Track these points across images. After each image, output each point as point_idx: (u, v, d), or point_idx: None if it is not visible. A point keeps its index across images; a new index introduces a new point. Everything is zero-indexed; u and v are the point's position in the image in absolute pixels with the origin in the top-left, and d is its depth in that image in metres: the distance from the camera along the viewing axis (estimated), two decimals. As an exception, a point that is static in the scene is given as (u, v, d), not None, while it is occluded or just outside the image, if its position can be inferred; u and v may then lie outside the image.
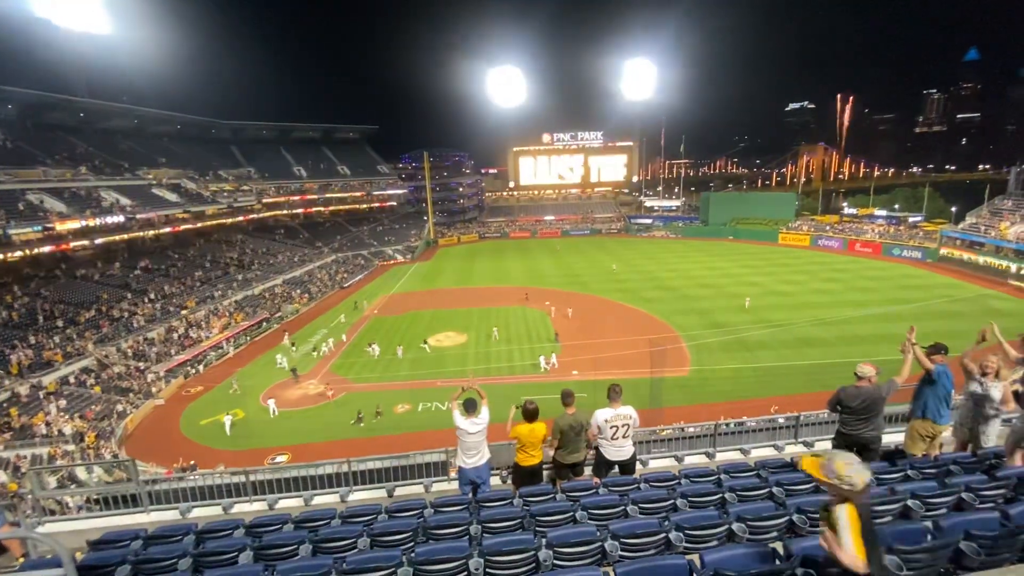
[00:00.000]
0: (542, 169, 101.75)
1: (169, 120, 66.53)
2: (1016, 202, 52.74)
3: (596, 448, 6.95)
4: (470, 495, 6.37)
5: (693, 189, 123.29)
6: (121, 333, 34.82)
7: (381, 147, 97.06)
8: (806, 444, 8.54)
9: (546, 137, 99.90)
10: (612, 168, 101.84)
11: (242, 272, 52.13)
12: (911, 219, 64.41)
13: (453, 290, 52.90)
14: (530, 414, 6.68)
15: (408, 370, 32.17)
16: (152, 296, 40.89)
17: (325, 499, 7.61)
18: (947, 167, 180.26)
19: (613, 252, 70.44)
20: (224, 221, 58.41)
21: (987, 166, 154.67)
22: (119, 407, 27.81)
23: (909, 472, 5.79)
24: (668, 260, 63.23)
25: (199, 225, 54.75)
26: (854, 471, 3.09)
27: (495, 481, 7.18)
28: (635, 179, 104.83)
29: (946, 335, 30.55)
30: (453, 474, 7.62)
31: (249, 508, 7.49)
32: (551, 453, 7.27)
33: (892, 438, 7.55)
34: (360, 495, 7.67)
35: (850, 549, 3.06)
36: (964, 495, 4.78)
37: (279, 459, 22.64)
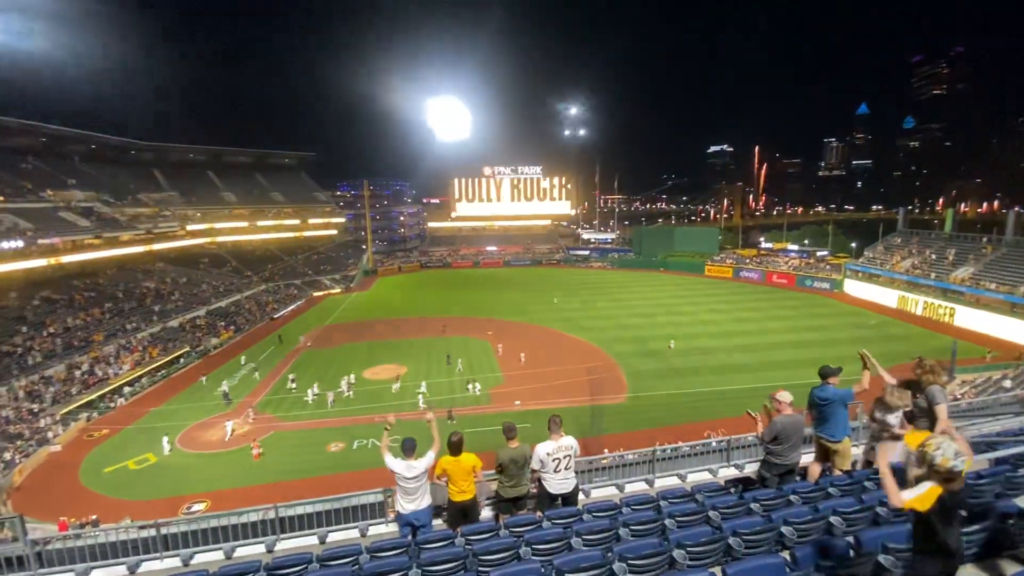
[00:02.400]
0: (483, 200, 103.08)
1: (82, 139, 61.70)
2: (904, 239, 59.36)
3: (539, 481, 6.88)
4: (409, 537, 6.07)
5: (627, 223, 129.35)
6: (13, 371, 30.96)
7: (319, 174, 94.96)
8: (737, 467, 8.90)
9: (487, 170, 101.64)
10: (551, 202, 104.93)
11: (160, 303, 48.28)
12: (819, 253, 70.67)
13: (392, 320, 51.63)
14: (453, 446, 6.47)
15: (341, 406, 30.70)
16: (52, 330, 36.88)
17: (249, 550, 6.97)
18: (846, 207, 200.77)
19: (552, 281, 71.84)
20: (141, 249, 54.24)
21: (879, 207, 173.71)
22: (6, 455, 24.45)
23: (830, 490, 6.16)
24: (605, 290, 65.27)
25: (112, 253, 50.52)
26: (941, 452, 3.21)
27: (437, 521, 6.89)
28: (573, 212, 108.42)
29: (852, 358, 33.00)
30: (392, 515, 7.25)
31: (160, 566, 6.72)
32: (493, 487, 7.12)
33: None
34: (289, 543, 7.11)
35: (898, 497, 3.29)
36: (880, 510, 5.14)
37: (196, 507, 20.66)
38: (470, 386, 31.46)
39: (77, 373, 33.14)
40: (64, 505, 20.99)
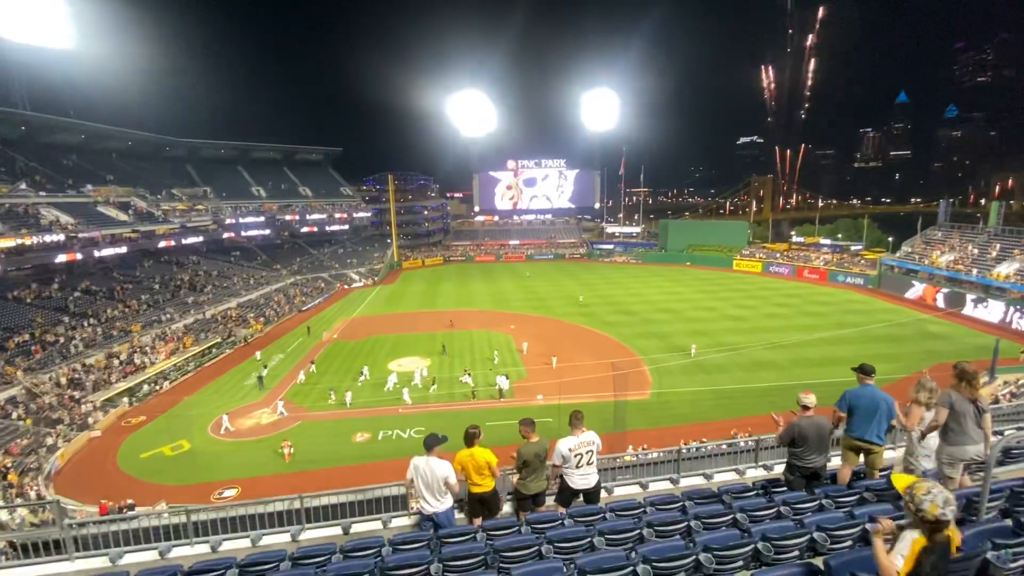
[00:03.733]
0: (506, 194, 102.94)
1: (120, 136, 63.84)
2: (945, 233, 56.88)
3: (561, 477, 6.82)
4: (431, 531, 6.09)
5: (652, 216, 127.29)
6: (55, 360, 32.43)
7: (345, 169, 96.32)
8: (766, 468, 8.67)
9: (511, 163, 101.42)
10: (575, 195, 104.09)
11: (193, 295, 49.84)
12: (853, 248, 68.34)
13: (417, 313, 52.12)
14: (468, 438, 6.45)
15: (368, 396, 31.18)
16: (93, 320, 38.44)
17: (275, 539, 7.11)
18: (883, 200, 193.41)
19: (576, 276, 71.42)
20: (176, 241, 55.99)
21: (918, 199, 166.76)
22: (49, 440, 25.66)
23: (865, 494, 5.93)
24: (629, 285, 64.54)
25: (149, 245, 52.31)
26: (930, 498, 2.99)
27: (458, 515, 6.90)
28: (597, 206, 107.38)
29: (886, 357, 32.24)
30: (415, 506, 7.29)
31: (190, 552, 6.91)
32: (513, 480, 7.09)
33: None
34: (313, 533, 7.22)
35: (891, 569, 3.04)
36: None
37: (227, 494, 21.33)
38: (499, 379, 31.29)
39: (116, 362, 34.49)
40: (103, 489, 21.91)
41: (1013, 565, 3.53)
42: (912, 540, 3.05)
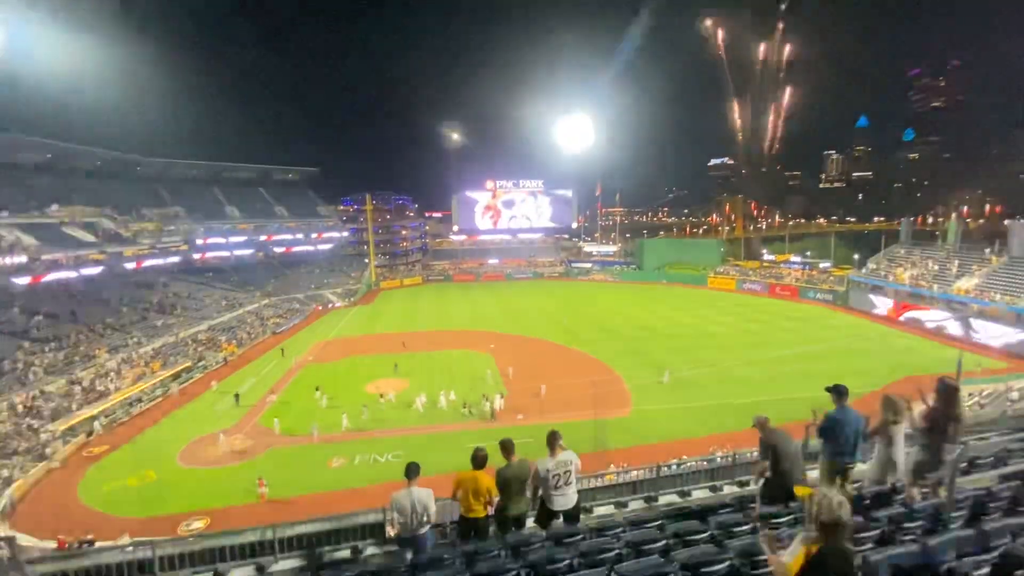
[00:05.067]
0: (485, 214, 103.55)
1: (88, 155, 62.28)
2: (907, 250, 59.25)
3: (540, 498, 6.77)
4: (409, 556, 5.95)
5: (628, 235, 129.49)
6: (13, 387, 30.93)
7: (322, 189, 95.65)
8: (741, 484, 8.76)
9: (489, 183, 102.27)
10: (553, 215, 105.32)
11: (163, 317, 48.39)
12: (821, 265, 70.52)
13: (396, 334, 51.57)
14: (477, 460, 6.39)
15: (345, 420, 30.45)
16: (54, 344, 36.92)
17: (243, 572, 6.86)
18: (848, 219, 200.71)
19: (555, 295, 71.82)
20: (144, 263, 54.52)
21: (881, 218, 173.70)
22: (4, 472, 24.29)
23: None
24: (607, 303, 65.18)
25: (116, 266, 50.78)
26: (826, 502, 3.10)
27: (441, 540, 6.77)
28: (575, 225, 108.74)
29: (856, 372, 33.14)
30: (392, 531, 7.13)
31: (153, 588, 6.62)
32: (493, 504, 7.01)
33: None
34: (286, 564, 6.99)
35: (779, 563, 3.16)
36: (887, 528, 5.02)
37: (195, 525, 20.45)
38: (486, 403, 30.76)
39: (78, 388, 33.08)
40: (62, 523, 20.76)
41: (977, 573, 3.64)
42: (804, 545, 3.17)
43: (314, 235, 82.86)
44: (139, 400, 34.37)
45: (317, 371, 40.15)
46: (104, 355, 37.56)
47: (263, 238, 75.97)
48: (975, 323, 43.61)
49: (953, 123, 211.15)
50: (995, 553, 3.76)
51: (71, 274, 45.45)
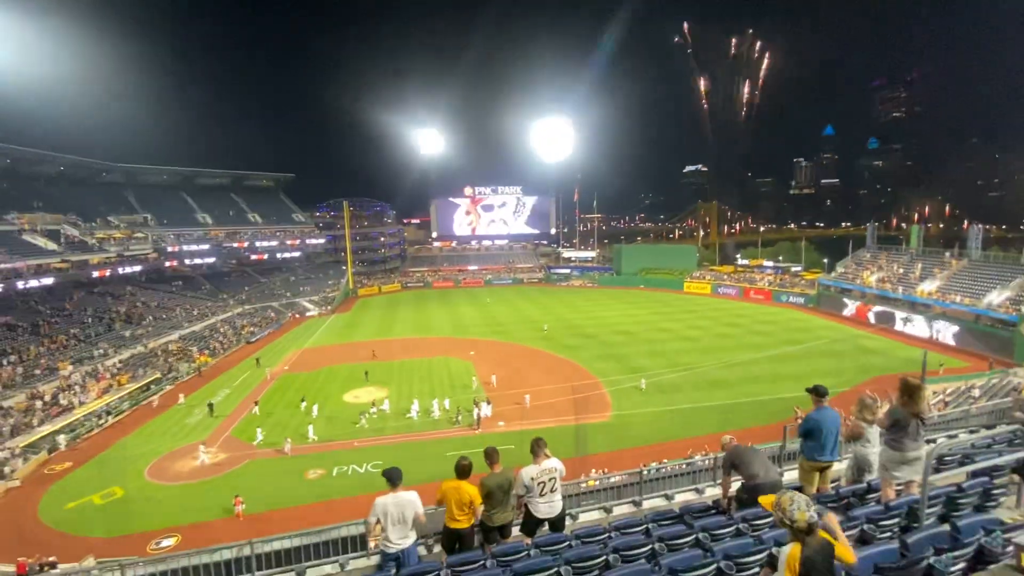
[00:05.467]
0: (464, 220, 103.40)
1: (51, 161, 60.10)
2: (873, 254, 61.29)
3: (525, 506, 6.73)
4: (393, 571, 5.84)
5: (606, 241, 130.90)
6: (-33, 403, 29.44)
7: (298, 195, 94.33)
8: (724, 485, 8.86)
9: (468, 190, 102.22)
10: (532, 220, 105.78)
11: (130, 328, 46.78)
12: (793, 269, 72.39)
13: (373, 342, 50.90)
14: (461, 470, 6.30)
15: (321, 431, 29.88)
16: (14, 358, 35.32)
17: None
18: (817, 224, 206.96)
19: (535, 300, 71.99)
20: (110, 272, 52.72)
21: (848, 223, 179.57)
22: (-43, 494, 23.05)
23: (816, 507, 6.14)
24: (586, 308, 65.60)
25: (81, 275, 49.00)
26: (796, 507, 3.19)
27: (421, 551, 6.66)
28: (553, 231, 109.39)
29: (828, 372, 33.96)
30: (374, 546, 6.98)
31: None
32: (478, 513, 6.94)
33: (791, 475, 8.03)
34: (265, 581, 6.78)
35: None
36: (866, 527, 5.14)
37: (166, 543, 19.72)
38: (476, 410, 30.22)
39: (39, 404, 31.66)
40: (22, 545, 19.77)
41: (954, 568, 3.74)
42: (787, 552, 3.24)
43: (289, 242, 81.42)
44: (107, 413, 33.09)
45: (293, 381, 39.31)
46: (68, 368, 36.07)
47: (236, 245, 74.29)
48: (937, 323, 45.27)
49: (914, 132, 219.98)
50: (969, 548, 3.88)
51: (32, 283, 43.60)
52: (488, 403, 31.03)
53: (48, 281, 45.21)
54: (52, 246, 47.90)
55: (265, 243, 78.21)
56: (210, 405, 33.62)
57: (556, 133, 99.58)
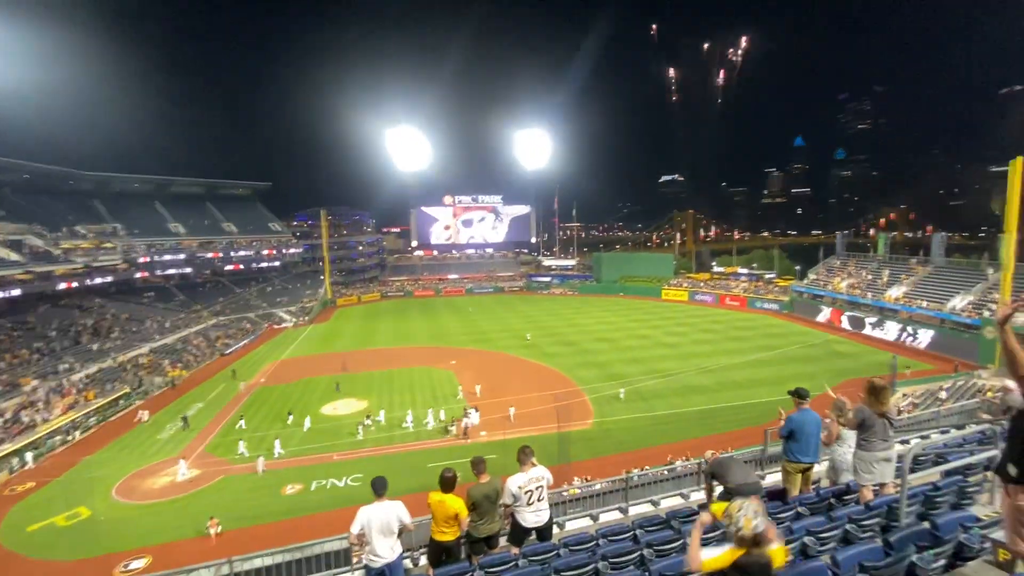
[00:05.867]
0: (444, 229, 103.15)
1: (14, 168, 57.85)
2: (843, 261, 63.16)
3: (512, 515, 6.67)
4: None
5: (586, 250, 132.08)
6: (-79, 422, 27.96)
7: (274, 204, 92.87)
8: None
9: (448, 198, 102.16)
10: (512, 229, 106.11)
11: (98, 341, 45.17)
12: (767, 276, 74.08)
13: (353, 352, 50.17)
14: (445, 482, 6.21)
15: (299, 444, 29.24)
16: (-29, 374, 33.74)
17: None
18: (789, 232, 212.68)
19: (516, 308, 72.02)
20: (80, 282, 50.94)
21: (819, 231, 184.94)
22: (-92, 519, 21.79)
23: (799, 509, 6.26)
24: (567, 316, 65.92)
25: (46, 287, 47.22)
26: (743, 514, 3.18)
27: (407, 564, 6.54)
28: (534, 240, 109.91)
29: (803, 376, 34.79)
30: (356, 560, 6.83)
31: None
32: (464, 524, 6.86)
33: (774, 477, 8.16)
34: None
35: (697, 559, 3.28)
36: (848, 527, 5.24)
37: (135, 565, 18.96)
38: (465, 419, 30.17)
39: (0, 421, 30.25)
40: (-20, 571, 18.80)
41: (935, 565, 3.84)
42: (728, 550, 3.26)
43: (266, 251, 79.91)
44: (72, 430, 31.81)
45: (271, 393, 38.44)
46: (31, 383, 34.60)
47: (210, 255, 72.59)
48: (906, 328, 46.76)
49: (879, 143, 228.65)
50: (949, 545, 3.99)
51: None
52: (476, 410, 30.94)
53: (10, 293, 43.43)
54: (14, 257, 46.09)
55: (241, 253, 76.60)
56: (184, 419, 32.79)
57: (535, 143, 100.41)
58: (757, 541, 3.18)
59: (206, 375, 44.70)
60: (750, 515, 3.18)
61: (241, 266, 76.94)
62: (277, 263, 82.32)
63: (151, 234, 68.19)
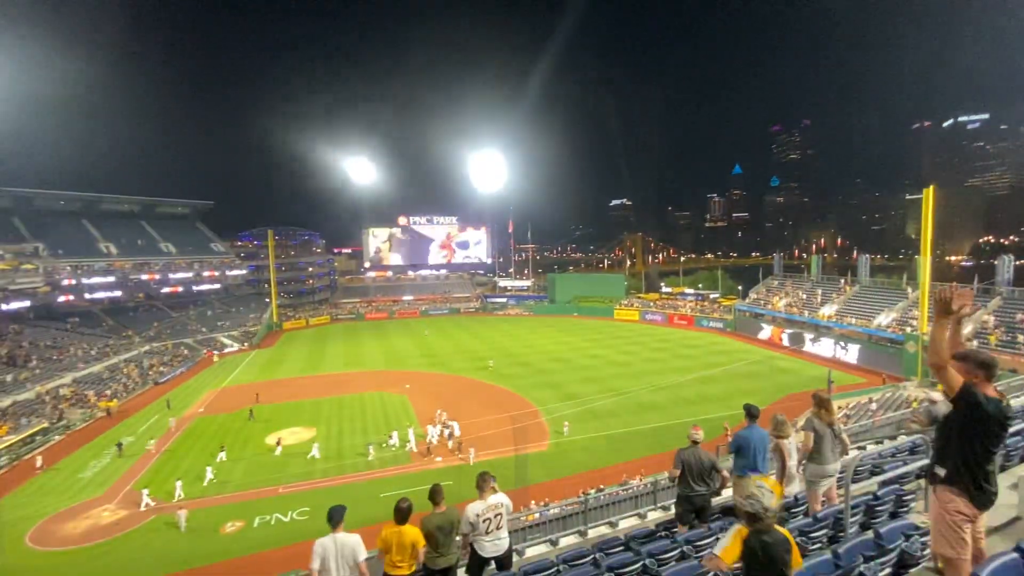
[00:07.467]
0: (398, 250, 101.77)
1: (-84, 183, 52.86)
2: (780, 281, 66.90)
3: (471, 545, 6.47)
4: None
5: (540, 271, 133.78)
6: None
7: (217, 224, 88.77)
8: (664, 508, 9.04)
9: (402, 219, 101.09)
10: (467, 250, 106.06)
11: (13, 371, 41.19)
12: (712, 296, 77.30)
13: (300, 379, 48.06)
14: (400, 513, 5.94)
15: (241, 477, 27.47)
16: None
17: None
18: (731, 254, 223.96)
19: (472, 330, 71.51)
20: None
21: (758, 253, 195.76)
22: None
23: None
24: (523, 336, 66.05)
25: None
26: (765, 490, 3.24)
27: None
28: (489, 261, 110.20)
29: (747, 392, 36.09)
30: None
31: None
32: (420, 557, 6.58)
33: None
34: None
35: (713, 557, 3.30)
36: (798, 539, 5.39)
37: (48, 622, 17.01)
38: (446, 431, 30.38)
39: None
40: None
41: (881, 575, 3.99)
42: (734, 531, 3.35)
43: (207, 273, 75.93)
44: (-25, 473, 28.57)
45: (210, 424, 36.08)
46: (-73, 421, 30.97)
47: (146, 277, 68.22)
48: (838, 343, 49.84)
49: (808, 172, 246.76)
50: (892, 555, 4.17)
51: None
52: (437, 425, 30.93)
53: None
54: (-86, 279, 41.67)
55: (179, 275, 72.41)
56: (119, 445, 31.68)
57: (490, 165, 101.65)
58: (754, 520, 3.22)
59: (138, 406, 41.52)
60: (767, 495, 3.23)
61: (180, 288, 72.69)
62: (218, 285, 78.39)
63: (78, 254, 63.39)
